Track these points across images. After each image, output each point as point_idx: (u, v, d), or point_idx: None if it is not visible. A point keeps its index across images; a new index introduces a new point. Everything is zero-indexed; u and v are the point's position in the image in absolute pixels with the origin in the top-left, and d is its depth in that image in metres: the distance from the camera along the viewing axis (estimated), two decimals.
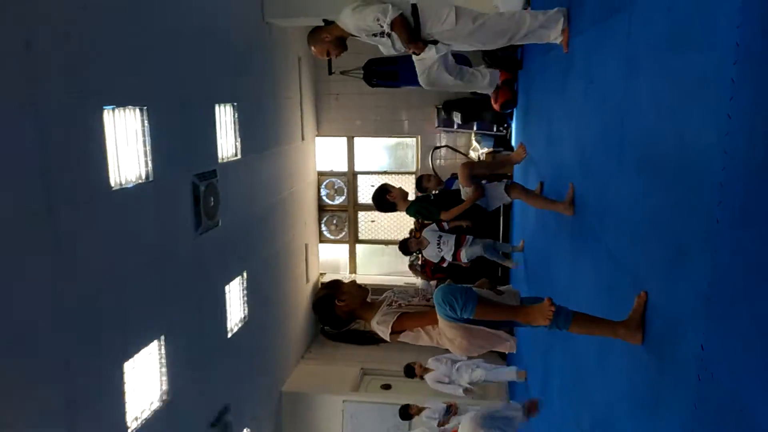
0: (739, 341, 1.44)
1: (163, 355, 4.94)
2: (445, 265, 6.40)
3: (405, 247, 6.37)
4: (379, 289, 3.02)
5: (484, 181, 4.38)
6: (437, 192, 5.43)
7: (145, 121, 4.62)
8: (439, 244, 5.99)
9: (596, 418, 2.83)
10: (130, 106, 4.47)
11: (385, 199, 4.60)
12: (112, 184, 4.21)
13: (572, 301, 2.92)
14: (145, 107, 4.59)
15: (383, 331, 2.52)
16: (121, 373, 4.38)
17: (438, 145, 9.45)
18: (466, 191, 4.30)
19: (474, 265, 6.09)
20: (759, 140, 1.38)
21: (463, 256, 5.81)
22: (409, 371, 6.02)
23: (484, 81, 4.73)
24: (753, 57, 1.42)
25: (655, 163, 2.11)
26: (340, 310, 2.62)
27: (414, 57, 3.90)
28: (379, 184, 4.79)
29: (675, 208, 1.90)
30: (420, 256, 8.11)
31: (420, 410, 5.86)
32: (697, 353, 1.66)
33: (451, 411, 5.56)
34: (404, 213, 4.83)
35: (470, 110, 8.47)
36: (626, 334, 2.17)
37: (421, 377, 5.94)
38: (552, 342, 4.04)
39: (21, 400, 3.35)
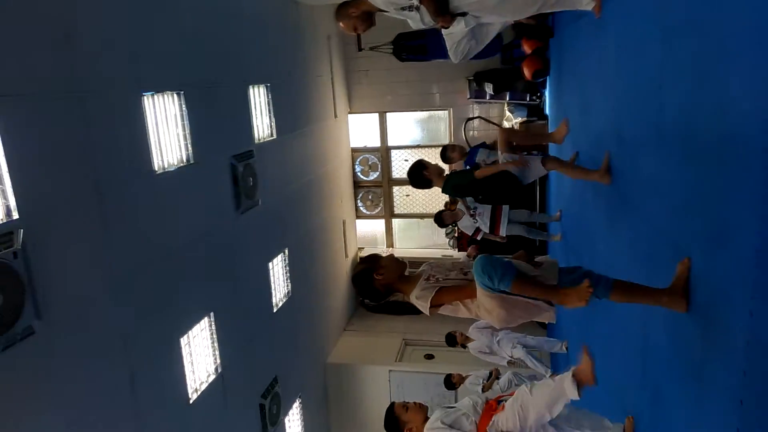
0: None
1: (214, 331, 5.14)
2: (479, 237, 6.39)
3: (440, 219, 6.39)
4: (417, 262, 3.07)
5: (524, 153, 4.36)
6: (470, 168, 5.41)
7: (183, 106, 4.72)
8: (474, 215, 5.99)
9: (640, 387, 2.84)
10: (168, 91, 4.57)
11: (422, 176, 4.59)
12: (156, 168, 4.34)
13: (612, 270, 2.92)
14: (182, 92, 4.69)
15: (423, 306, 2.56)
16: (179, 348, 4.60)
17: (471, 116, 9.36)
18: (503, 157, 4.27)
19: (510, 237, 6.07)
20: None
21: (502, 231, 5.80)
22: (451, 340, 6.12)
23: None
24: None
25: (695, 129, 2.08)
26: (378, 283, 2.67)
27: (443, 31, 3.85)
28: (415, 160, 4.77)
29: (718, 175, 1.87)
30: (456, 228, 8.12)
31: (463, 379, 5.96)
32: (745, 320, 1.66)
33: (492, 375, 5.65)
34: (440, 189, 4.82)
35: (502, 80, 8.34)
36: (670, 302, 2.16)
37: (462, 345, 6.03)
38: (592, 312, 4.04)
39: (85, 376, 3.55)
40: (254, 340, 5.95)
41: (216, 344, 5.18)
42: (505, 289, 2.25)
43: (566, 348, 5.62)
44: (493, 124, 8.78)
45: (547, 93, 7.61)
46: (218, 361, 5.22)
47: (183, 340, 4.68)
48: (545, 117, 7.66)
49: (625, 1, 3.02)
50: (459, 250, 8.59)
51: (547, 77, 7.20)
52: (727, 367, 1.78)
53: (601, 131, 3.80)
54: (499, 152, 4.32)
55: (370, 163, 10.10)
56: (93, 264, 3.65)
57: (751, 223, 1.62)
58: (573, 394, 2.66)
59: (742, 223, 1.69)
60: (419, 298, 2.57)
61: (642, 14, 2.75)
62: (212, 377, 5.13)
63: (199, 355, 4.99)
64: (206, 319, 5.06)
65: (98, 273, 3.70)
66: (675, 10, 2.28)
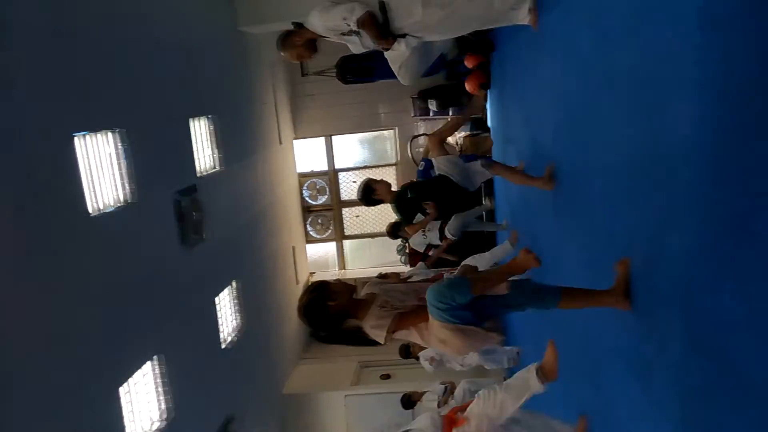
0: (721, 304, 1.48)
1: (159, 375, 4.91)
2: (431, 253, 6.45)
3: (397, 229, 6.38)
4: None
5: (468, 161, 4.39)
6: (416, 183, 5.44)
7: (119, 144, 4.58)
8: (424, 231, 6.04)
9: (591, 386, 2.88)
10: (103, 131, 4.42)
11: (372, 197, 4.64)
12: (90, 210, 4.16)
13: (559, 276, 2.97)
14: (118, 130, 4.55)
15: (379, 335, 2.47)
16: (116, 399, 4.31)
17: (416, 134, 9.48)
18: (438, 162, 4.30)
19: (461, 244, 6.10)
20: (726, 107, 1.41)
21: (448, 233, 5.82)
22: (406, 351, 6.09)
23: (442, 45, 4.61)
24: (716, 22, 1.45)
25: (630, 134, 2.14)
26: (332, 311, 2.55)
27: (385, 54, 3.89)
28: (363, 181, 4.81)
29: (651, 178, 1.93)
30: (407, 245, 8.16)
31: (421, 395, 5.92)
32: (681, 316, 1.70)
33: (448, 390, 5.62)
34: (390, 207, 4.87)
35: (446, 96, 8.49)
36: (614, 302, 2.21)
37: (416, 358, 6.01)
38: (543, 316, 4.09)
39: None
40: (205, 378, 5.72)
41: (161, 389, 4.94)
42: (468, 299, 2.22)
43: (519, 354, 5.66)
44: (425, 135, 8.87)
45: (489, 106, 7.78)
46: (163, 406, 4.97)
47: (122, 389, 4.39)
48: (488, 129, 7.81)
49: (561, 15, 3.11)
50: (411, 266, 8.61)
51: (489, 91, 7.36)
52: (667, 362, 1.82)
53: (543, 139, 3.89)
54: (434, 158, 4.38)
55: (318, 186, 10.07)
56: (21, 314, 3.40)
57: (683, 223, 1.67)
58: (537, 387, 2.86)
59: (674, 225, 1.74)
60: (375, 327, 2.47)
61: (576, 26, 2.84)
62: (157, 425, 4.86)
63: (142, 403, 4.72)
64: (149, 363, 4.82)
65: (26, 323, 3.44)
66: (607, 22, 2.36)
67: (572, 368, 3.11)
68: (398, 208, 4.71)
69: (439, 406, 5.38)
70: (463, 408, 3.06)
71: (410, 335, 2.47)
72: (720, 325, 1.48)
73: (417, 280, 5.80)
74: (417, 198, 4.60)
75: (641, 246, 2.07)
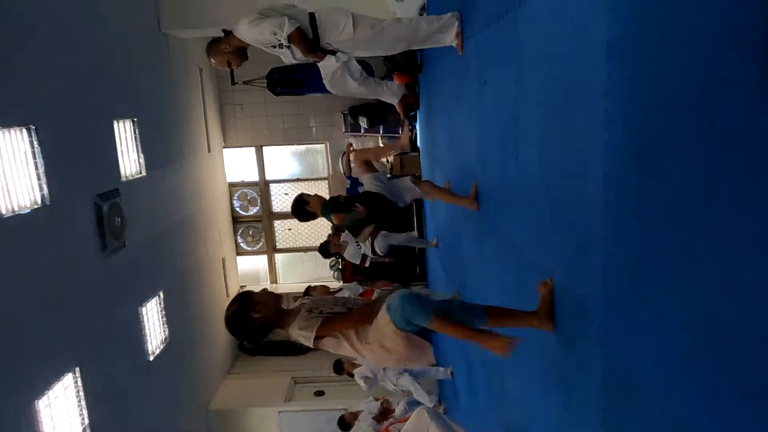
0: (635, 320, 1.57)
1: (80, 388, 4.67)
2: (367, 264, 6.47)
3: (326, 248, 6.36)
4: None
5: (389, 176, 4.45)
6: (347, 196, 5.45)
7: (35, 142, 4.34)
8: (357, 242, 6.06)
9: (517, 405, 2.96)
10: (15, 127, 4.18)
11: (305, 210, 4.57)
12: (3, 211, 3.94)
13: (486, 295, 3.05)
14: (34, 126, 4.32)
15: (307, 337, 2.42)
16: (35, 412, 4.10)
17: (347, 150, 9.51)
18: (367, 179, 4.35)
19: (394, 262, 6.18)
20: (634, 132, 1.51)
21: (377, 248, 5.87)
22: (338, 367, 6.04)
23: (389, 92, 4.77)
24: (624, 54, 1.55)
25: (547, 157, 2.24)
26: (257, 322, 2.50)
27: (318, 64, 3.91)
28: (296, 195, 4.74)
29: (568, 199, 2.03)
30: (340, 260, 8.15)
31: (356, 415, 5.86)
32: (600, 333, 1.79)
33: (382, 406, 5.61)
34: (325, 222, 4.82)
35: (376, 114, 8.59)
36: (539, 323, 2.26)
37: (349, 374, 5.97)
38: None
39: None
40: (128, 392, 5.50)
41: (83, 402, 4.70)
42: (423, 324, 2.12)
43: (452, 374, 5.73)
44: (348, 152, 8.91)
45: (417, 126, 7.93)
46: (86, 421, 4.73)
47: (41, 403, 4.18)
48: (417, 149, 7.96)
49: (483, 40, 3.22)
50: (344, 282, 8.59)
51: (418, 111, 7.51)
52: (588, 379, 1.90)
53: (468, 160, 4.00)
54: (361, 176, 4.41)
55: (249, 197, 9.89)
56: None
57: (599, 242, 1.77)
58: None
59: (592, 244, 1.83)
60: (303, 329, 2.43)
61: (498, 52, 2.96)
62: None
63: (63, 416, 4.48)
64: (70, 375, 4.58)
65: None
66: (524, 47, 2.47)
67: (500, 386, 3.18)
68: (327, 207, 4.65)
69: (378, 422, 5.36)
70: (401, 423, 3.08)
71: (340, 345, 2.43)
72: (636, 346, 1.57)
73: (346, 294, 5.81)
74: (347, 203, 4.59)
75: (562, 267, 2.16)
